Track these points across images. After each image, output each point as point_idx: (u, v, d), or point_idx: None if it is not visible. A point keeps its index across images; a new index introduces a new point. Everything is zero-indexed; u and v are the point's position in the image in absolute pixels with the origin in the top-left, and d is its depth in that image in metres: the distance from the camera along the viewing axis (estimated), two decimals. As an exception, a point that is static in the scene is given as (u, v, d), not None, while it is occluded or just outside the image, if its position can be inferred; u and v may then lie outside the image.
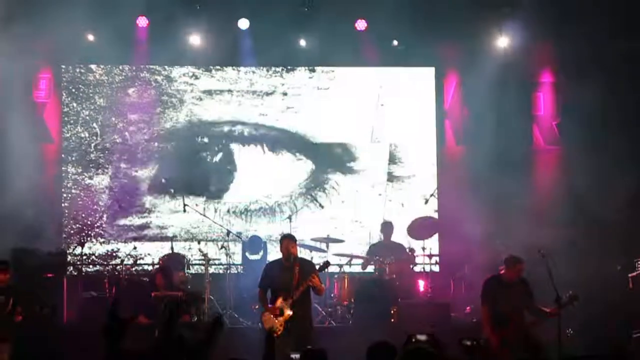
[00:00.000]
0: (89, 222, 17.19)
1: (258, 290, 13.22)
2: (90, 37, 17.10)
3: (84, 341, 14.00)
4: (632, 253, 14.75)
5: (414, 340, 7.74)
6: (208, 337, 7.94)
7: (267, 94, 17.79)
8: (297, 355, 8.76)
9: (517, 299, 12.65)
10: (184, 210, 16.51)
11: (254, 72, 17.84)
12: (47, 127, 17.38)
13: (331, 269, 14.06)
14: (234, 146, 17.69)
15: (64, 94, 17.51)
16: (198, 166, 17.63)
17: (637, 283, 14.23)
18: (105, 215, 17.34)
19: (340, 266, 16.26)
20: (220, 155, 17.71)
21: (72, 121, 17.55)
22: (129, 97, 17.61)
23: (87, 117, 17.51)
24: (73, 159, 17.51)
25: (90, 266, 16.78)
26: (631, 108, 16.60)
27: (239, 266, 17.01)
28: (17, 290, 13.02)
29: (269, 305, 12.86)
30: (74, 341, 14.14)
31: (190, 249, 17.18)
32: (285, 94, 17.80)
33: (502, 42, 17.38)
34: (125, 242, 17.32)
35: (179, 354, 7.21)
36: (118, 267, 16.36)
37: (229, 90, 17.79)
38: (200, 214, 16.94)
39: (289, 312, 12.63)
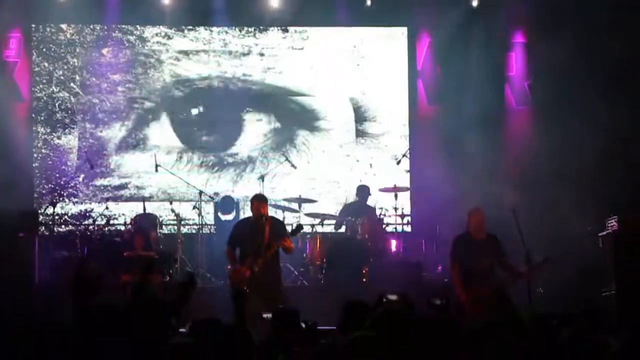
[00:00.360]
0: (62, 182, 17.14)
1: (226, 249, 13.32)
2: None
3: (55, 300, 14.25)
4: (603, 213, 14.67)
5: (384, 300, 7.74)
6: (180, 295, 8.01)
7: (244, 54, 17.74)
8: (269, 315, 8.81)
9: (487, 256, 12.70)
10: (156, 170, 16.47)
11: (227, 32, 17.77)
12: (18, 86, 17.25)
13: (304, 228, 14.12)
14: (213, 102, 17.64)
15: (35, 54, 17.37)
16: (175, 122, 17.59)
17: (607, 242, 14.20)
18: (80, 176, 17.29)
19: (313, 226, 16.33)
20: (199, 109, 17.65)
21: (44, 81, 17.48)
22: (105, 57, 17.50)
23: (62, 77, 17.42)
24: (42, 118, 17.40)
25: (63, 226, 16.74)
26: (603, 68, 16.60)
27: (211, 226, 17.02)
28: None
29: (238, 265, 12.99)
30: (45, 300, 14.21)
31: (165, 209, 17.10)
32: (262, 54, 17.75)
33: (474, 1, 17.42)
34: (99, 202, 17.26)
35: (151, 312, 7.21)
36: (90, 227, 16.39)
37: (205, 51, 17.73)
38: (172, 174, 16.91)
39: (258, 272, 12.72)
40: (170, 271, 15.10)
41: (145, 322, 7.01)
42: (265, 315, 9.62)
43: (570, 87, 16.77)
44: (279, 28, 17.78)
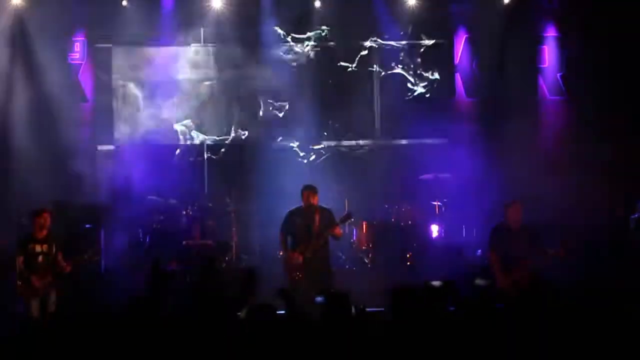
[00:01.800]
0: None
1: (279, 235, 13.76)
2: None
3: (123, 286, 14.93)
4: (634, 196, 15.12)
5: (429, 286, 7.86)
6: (244, 289, 8.52)
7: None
8: (321, 298, 8.68)
9: (524, 243, 13.01)
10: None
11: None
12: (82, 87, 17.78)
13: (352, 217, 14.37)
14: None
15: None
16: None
17: (637, 224, 14.61)
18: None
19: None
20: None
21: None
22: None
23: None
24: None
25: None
26: (633, 61, 16.97)
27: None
28: (59, 240, 13.20)
29: (290, 251, 13.48)
30: (113, 287, 14.66)
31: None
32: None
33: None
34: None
35: (215, 301, 7.67)
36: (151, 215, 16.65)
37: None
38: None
39: (309, 257, 13.23)
40: (227, 259, 15.75)
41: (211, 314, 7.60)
42: (318, 299, 9.19)
43: (601, 78, 17.17)
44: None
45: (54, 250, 12.94)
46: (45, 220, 12.91)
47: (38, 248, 12.92)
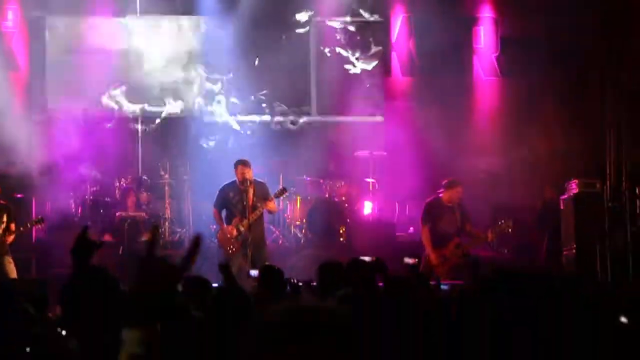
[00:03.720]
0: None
1: (213, 210, 13.85)
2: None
3: (52, 258, 14.89)
4: (566, 178, 15.29)
5: (359, 261, 7.91)
6: (187, 255, 8.54)
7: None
8: (256, 272, 9.04)
9: (456, 220, 13.46)
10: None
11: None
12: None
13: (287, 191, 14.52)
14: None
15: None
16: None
17: (567, 205, 14.89)
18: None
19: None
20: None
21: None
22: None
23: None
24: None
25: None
26: (567, 41, 17.13)
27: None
28: (8, 208, 13.56)
29: (225, 225, 13.56)
30: (44, 257, 14.85)
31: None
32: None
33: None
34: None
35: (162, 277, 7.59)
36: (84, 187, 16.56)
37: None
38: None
39: (244, 232, 13.25)
40: (160, 230, 15.73)
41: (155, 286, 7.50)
42: (252, 272, 9.81)
43: (535, 60, 17.38)
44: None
45: (3, 219, 13.28)
46: None
47: None
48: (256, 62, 18.01)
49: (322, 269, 7.93)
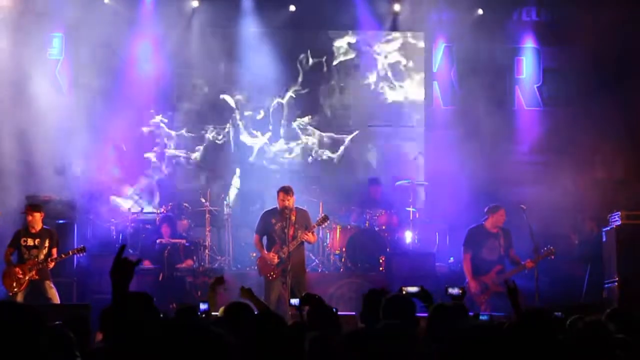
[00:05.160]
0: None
1: (254, 237, 13.79)
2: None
3: (93, 283, 15.01)
4: (607, 209, 15.15)
5: (405, 292, 7.75)
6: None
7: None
8: (296, 301, 8.93)
9: (499, 247, 13.45)
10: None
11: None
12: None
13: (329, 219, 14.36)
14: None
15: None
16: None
17: (610, 236, 14.69)
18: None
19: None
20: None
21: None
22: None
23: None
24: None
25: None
26: (610, 72, 17.06)
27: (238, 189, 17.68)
28: (51, 233, 13.79)
29: (265, 252, 13.52)
30: (85, 283, 14.99)
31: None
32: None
33: (480, 10, 17.84)
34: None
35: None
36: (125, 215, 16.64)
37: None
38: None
39: (284, 259, 13.20)
40: (200, 257, 15.66)
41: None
42: (292, 301, 9.42)
43: (577, 90, 17.30)
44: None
45: (46, 244, 13.53)
46: (33, 216, 13.54)
47: (30, 242, 13.55)
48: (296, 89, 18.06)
49: (366, 298, 7.76)
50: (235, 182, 18.02)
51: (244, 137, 18.40)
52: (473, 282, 13.32)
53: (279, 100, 18.39)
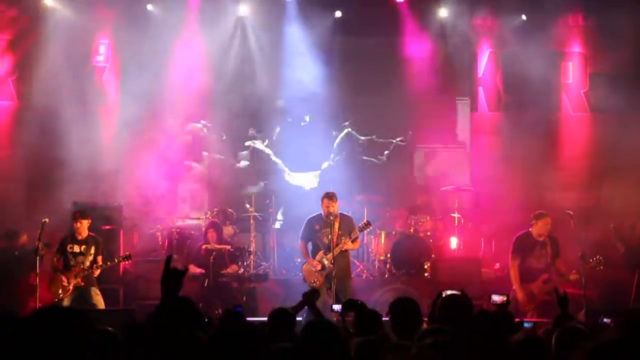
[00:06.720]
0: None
1: (299, 243, 13.90)
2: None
3: (139, 289, 15.13)
4: None
5: (444, 295, 7.60)
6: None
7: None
8: (339, 307, 8.99)
9: (546, 255, 13.33)
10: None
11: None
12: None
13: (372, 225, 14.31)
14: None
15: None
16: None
17: None
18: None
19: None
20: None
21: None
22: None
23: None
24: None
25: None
26: None
27: (281, 222, 17.50)
28: (97, 241, 13.84)
29: (310, 258, 13.58)
30: (131, 289, 15.14)
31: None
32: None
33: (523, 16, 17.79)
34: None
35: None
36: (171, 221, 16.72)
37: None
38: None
39: (329, 265, 13.24)
40: (245, 263, 15.76)
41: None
42: (335, 307, 9.55)
43: (624, 95, 16.99)
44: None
45: (92, 251, 13.61)
46: (81, 223, 13.60)
47: (77, 249, 13.63)
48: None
49: (394, 306, 7.50)
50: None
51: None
52: (520, 290, 13.20)
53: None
